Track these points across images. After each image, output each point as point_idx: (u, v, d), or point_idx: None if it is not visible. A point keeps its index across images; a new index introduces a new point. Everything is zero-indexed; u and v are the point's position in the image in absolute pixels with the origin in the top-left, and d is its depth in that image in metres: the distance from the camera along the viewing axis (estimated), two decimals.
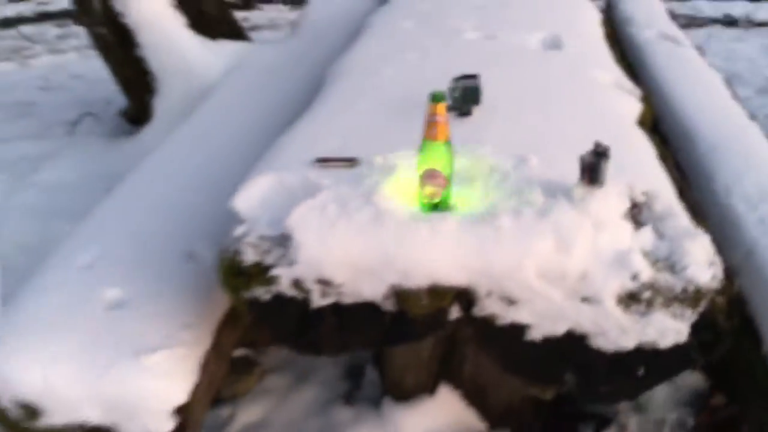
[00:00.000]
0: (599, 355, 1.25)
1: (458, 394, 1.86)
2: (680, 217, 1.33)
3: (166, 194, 1.88)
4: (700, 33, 5.59)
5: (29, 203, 2.66)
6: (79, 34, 5.56)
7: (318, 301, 1.28)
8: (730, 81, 4.12)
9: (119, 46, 2.98)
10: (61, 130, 3.35)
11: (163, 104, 2.95)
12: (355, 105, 1.70)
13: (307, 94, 2.10)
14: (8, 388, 1.40)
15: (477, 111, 1.61)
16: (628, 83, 2.03)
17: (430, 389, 1.85)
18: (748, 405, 1.82)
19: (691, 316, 1.20)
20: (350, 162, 1.36)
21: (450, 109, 1.55)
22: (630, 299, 1.21)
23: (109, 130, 3.30)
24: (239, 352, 1.99)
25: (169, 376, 1.38)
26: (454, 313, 1.28)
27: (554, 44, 2.19)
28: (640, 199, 1.37)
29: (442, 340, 1.79)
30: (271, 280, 1.27)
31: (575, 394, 1.36)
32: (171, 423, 1.40)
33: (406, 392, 1.86)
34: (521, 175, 1.32)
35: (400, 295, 1.25)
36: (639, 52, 3.09)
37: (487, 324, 1.27)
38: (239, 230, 1.32)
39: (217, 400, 1.89)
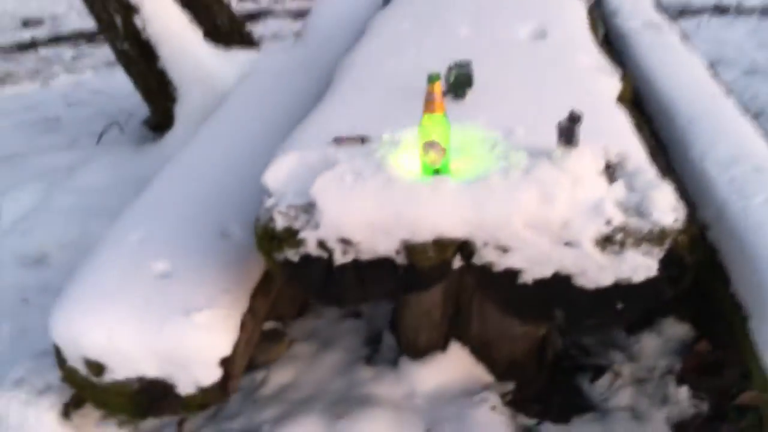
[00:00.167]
0: (582, 292, 1.46)
1: (467, 350, 2.07)
2: (648, 173, 1.54)
3: (197, 184, 2.10)
4: (692, 22, 5.78)
5: (67, 205, 2.89)
6: (93, 54, 5.82)
7: (340, 258, 1.50)
8: (718, 64, 4.34)
9: (141, 59, 3.23)
10: (88, 141, 3.59)
11: (183, 110, 3.19)
12: (363, 93, 1.93)
13: (315, 93, 2.31)
14: (77, 348, 1.62)
15: (470, 94, 1.83)
16: (608, 66, 2.24)
17: (441, 347, 2.06)
18: (727, 350, 2.02)
19: (658, 253, 1.41)
20: (362, 140, 1.58)
21: (446, 93, 1.78)
22: (605, 241, 1.42)
23: (133, 138, 3.54)
24: (269, 325, 2.21)
25: (215, 331, 1.60)
26: (457, 263, 1.50)
27: (541, 34, 2.40)
28: (614, 159, 1.59)
29: (451, 300, 2.01)
30: (300, 243, 1.49)
31: (564, 329, 1.57)
32: (217, 373, 1.62)
33: (420, 351, 2.07)
34: (509, 142, 1.53)
35: (409, 249, 1.46)
36: (624, 40, 3.30)
37: (486, 271, 1.49)
38: (270, 202, 1.54)
39: (252, 366, 2.12)
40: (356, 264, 1.50)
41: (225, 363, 1.62)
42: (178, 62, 3.15)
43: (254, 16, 6.61)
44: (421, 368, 2.05)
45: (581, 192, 1.43)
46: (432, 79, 1.40)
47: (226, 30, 3.47)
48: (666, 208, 1.44)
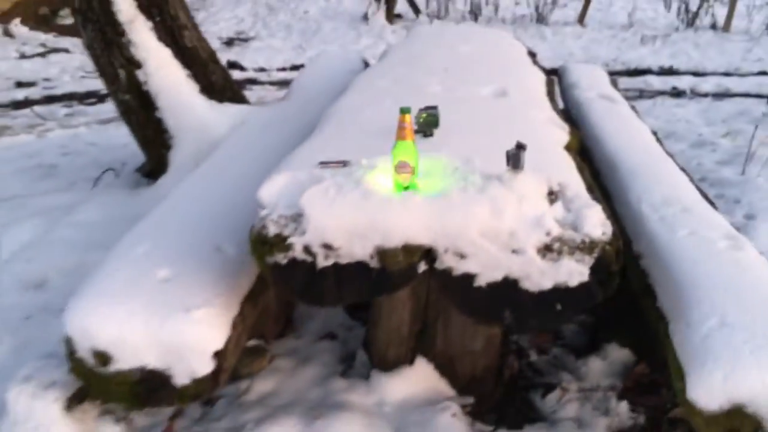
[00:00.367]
0: (527, 294, 1.72)
1: (432, 365, 2.31)
2: (583, 198, 1.84)
3: (193, 211, 2.36)
4: (650, 101, 6.26)
5: (65, 238, 3.12)
6: (86, 113, 6.11)
7: (322, 262, 1.75)
8: (670, 137, 4.74)
9: (141, 109, 3.53)
10: (84, 185, 3.84)
11: (178, 157, 3.46)
12: (345, 133, 2.22)
13: (299, 140, 2.60)
14: (87, 339, 1.84)
15: (437, 133, 2.14)
16: (559, 120, 2.57)
17: (409, 361, 2.30)
18: (663, 371, 2.28)
19: (589, 260, 1.69)
20: (343, 163, 1.87)
21: (416, 131, 2.08)
22: (546, 250, 1.70)
23: (127, 183, 3.80)
24: (253, 342, 2.43)
25: (210, 327, 1.83)
26: (422, 267, 1.76)
27: (502, 93, 2.75)
28: (556, 187, 1.88)
29: (418, 318, 2.26)
30: (288, 247, 1.74)
31: (512, 329, 1.82)
32: (210, 365, 1.84)
33: (389, 364, 2.30)
34: (467, 168, 1.83)
35: (382, 254, 1.72)
36: (581, 108, 3.69)
37: (446, 275, 1.75)
38: (263, 212, 1.80)
39: (237, 377, 2.33)
40: (336, 267, 1.75)
41: (217, 356, 1.85)
42: (175, 113, 3.45)
43: (240, 84, 6.99)
44: (390, 380, 2.27)
45: (526, 208, 1.72)
46: (403, 110, 1.70)
47: (220, 87, 3.80)
48: (596, 224, 1.73)
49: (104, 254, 2.17)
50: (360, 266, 1.74)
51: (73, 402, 2.03)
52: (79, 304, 1.88)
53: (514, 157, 1.72)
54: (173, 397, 1.89)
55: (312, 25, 9.81)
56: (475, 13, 10.02)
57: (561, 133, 2.43)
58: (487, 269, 1.72)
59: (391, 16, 9.73)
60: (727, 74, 7.49)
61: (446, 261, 1.73)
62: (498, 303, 1.76)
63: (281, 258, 1.75)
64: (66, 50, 8.81)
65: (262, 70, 7.86)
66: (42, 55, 8.64)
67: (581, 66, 4.73)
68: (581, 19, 9.65)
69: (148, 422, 2.15)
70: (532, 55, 3.83)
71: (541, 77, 3.32)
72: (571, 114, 3.75)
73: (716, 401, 1.62)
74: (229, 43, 9.05)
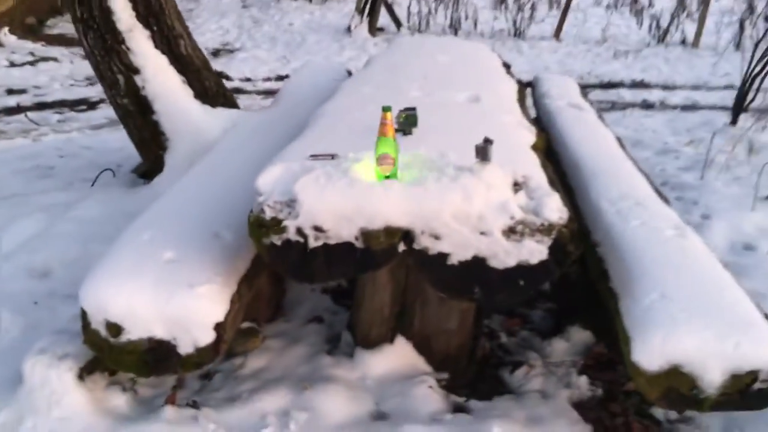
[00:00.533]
0: (494, 272, 1.95)
1: (410, 344, 2.54)
2: (544, 187, 2.08)
3: (191, 203, 2.57)
4: (620, 113, 6.56)
5: (67, 231, 3.31)
6: (78, 119, 6.29)
7: (313, 243, 1.97)
8: (637, 145, 5.02)
9: (138, 113, 3.74)
10: (82, 185, 4.04)
11: (173, 158, 3.68)
12: (333, 131, 2.46)
13: (288, 142, 2.83)
14: (101, 311, 2.05)
15: (416, 132, 2.38)
16: (527, 124, 2.83)
17: (389, 340, 2.52)
18: (618, 350, 2.53)
19: (547, 241, 1.92)
20: (332, 156, 2.10)
21: (397, 130, 2.31)
22: (510, 232, 1.93)
23: (124, 182, 4.00)
24: (246, 324, 2.64)
25: (212, 301, 2.05)
26: (402, 247, 1.99)
27: (476, 99, 3.00)
28: (520, 179, 2.13)
29: (397, 300, 2.49)
30: (282, 230, 1.97)
31: (481, 303, 2.05)
32: (212, 335, 2.05)
33: (371, 342, 2.53)
34: (442, 160, 2.07)
35: (366, 235, 1.95)
36: (551, 115, 3.94)
37: (423, 254, 1.98)
38: (261, 198, 2.03)
39: (232, 354, 2.54)
40: (325, 247, 1.98)
41: (218, 327, 2.06)
42: (170, 116, 3.67)
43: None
44: (372, 357, 2.49)
45: (493, 195, 1.96)
46: (385, 109, 1.94)
47: (213, 92, 4.03)
48: (554, 210, 1.98)
49: (105, 246, 2.36)
50: (347, 246, 1.97)
51: (84, 373, 2.24)
52: (93, 280, 2.10)
53: (482, 151, 1.96)
54: (178, 365, 2.10)
55: (296, 37, 10.05)
56: (455, 27, 10.32)
57: (528, 135, 2.68)
58: (458, 249, 1.95)
59: (374, 30, 10.01)
60: (695, 88, 7.82)
61: (423, 242, 1.97)
62: (468, 280, 1.99)
63: (276, 239, 1.98)
64: (55, 59, 8.96)
65: (247, 80, 8.08)
66: (31, 63, 8.78)
67: (553, 77, 5.01)
68: (557, 34, 9.98)
69: (152, 393, 2.35)
70: (506, 66, 4.10)
71: (514, 86, 3.58)
72: (542, 121, 4.02)
73: (656, 362, 1.86)
74: (216, 53, 9.26)
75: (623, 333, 1.98)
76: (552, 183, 2.23)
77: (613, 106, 6.99)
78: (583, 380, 2.50)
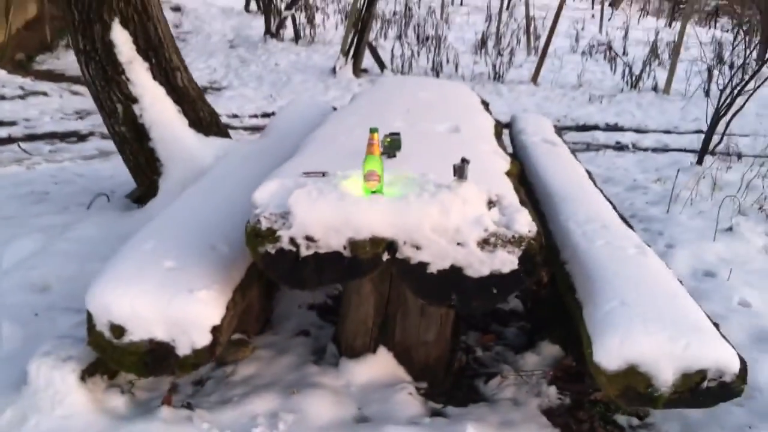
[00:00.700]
0: (470, 280, 2.15)
1: (391, 354, 2.71)
2: (515, 205, 2.29)
3: (188, 219, 2.74)
4: (594, 153, 6.85)
5: (64, 250, 3.47)
6: (70, 149, 6.45)
7: (304, 252, 2.16)
8: (609, 181, 5.28)
9: (135, 140, 3.94)
10: (77, 209, 4.19)
11: (167, 183, 3.87)
12: (323, 153, 2.67)
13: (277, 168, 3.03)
14: (106, 314, 2.21)
15: (399, 156, 2.59)
16: (502, 153, 3.05)
17: (372, 350, 2.69)
18: (582, 355, 2.71)
19: (518, 252, 2.12)
20: (323, 173, 2.30)
21: (382, 153, 2.52)
22: (484, 243, 2.13)
23: (118, 207, 4.16)
24: (237, 336, 2.80)
25: (209, 306, 2.22)
26: (386, 256, 2.18)
27: (455, 130, 3.22)
28: (494, 198, 2.34)
29: (380, 312, 2.66)
30: (277, 239, 2.15)
31: (458, 309, 2.23)
32: (208, 338, 2.22)
33: (355, 352, 2.70)
34: (423, 179, 2.27)
35: (353, 245, 2.14)
36: (526, 149, 4.19)
37: (405, 263, 2.17)
38: (257, 210, 2.22)
39: (223, 363, 2.70)
40: (316, 255, 2.16)
41: (214, 330, 2.23)
42: (166, 144, 3.86)
43: None
44: (356, 366, 2.66)
45: (468, 209, 2.16)
46: (372, 130, 2.15)
47: (207, 122, 4.23)
48: (524, 224, 2.18)
49: (101, 264, 2.50)
50: (335, 255, 2.16)
51: (86, 375, 2.39)
52: (99, 285, 2.26)
53: (460, 169, 2.17)
54: (175, 366, 2.26)
55: (282, 77, 10.32)
56: (437, 70, 10.67)
57: (503, 162, 2.90)
58: (437, 258, 2.15)
59: (358, 71, 10.32)
60: (666, 132, 8.15)
61: (405, 252, 2.16)
62: (446, 287, 2.18)
63: (271, 248, 2.16)
64: (45, 93, 9.13)
65: (234, 116, 8.29)
66: (21, 97, 8.94)
67: (529, 116, 5.29)
68: (535, 79, 10.35)
69: (148, 396, 2.50)
70: (484, 103, 4.35)
71: (491, 121, 3.82)
72: (518, 155, 4.27)
73: (615, 362, 2.05)
74: (203, 91, 9.47)
75: (586, 337, 2.18)
76: (523, 203, 2.44)
77: (588, 146, 7.28)
78: (553, 390, 2.68)
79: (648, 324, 2.08)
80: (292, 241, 2.15)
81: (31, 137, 6.97)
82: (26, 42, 11.00)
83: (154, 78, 3.94)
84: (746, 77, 5.74)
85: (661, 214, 4.50)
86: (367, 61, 10.61)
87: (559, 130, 5.01)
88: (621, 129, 8.23)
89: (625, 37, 12.74)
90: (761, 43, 9.79)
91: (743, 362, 2.08)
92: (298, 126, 4.34)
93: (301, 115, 4.71)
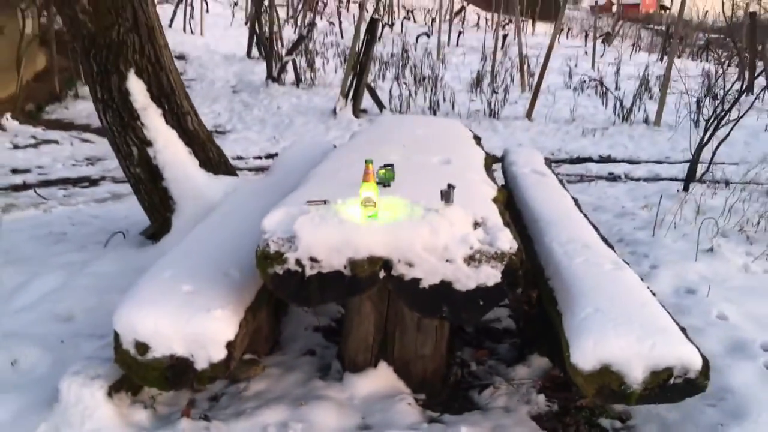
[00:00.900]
0: (458, 293, 2.38)
1: (391, 368, 2.93)
2: (499, 225, 2.54)
3: (201, 250, 3.00)
4: (587, 184, 7.11)
5: (85, 284, 3.71)
6: (83, 194, 6.73)
7: (309, 271, 2.40)
8: (599, 209, 5.52)
9: (149, 180, 4.22)
10: (94, 248, 4.45)
11: (179, 220, 4.13)
12: (325, 185, 2.93)
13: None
14: (131, 332, 2.45)
15: (393, 185, 2.86)
16: (490, 182, 3.31)
17: (373, 364, 2.92)
18: (561, 358, 2.93)
19: (500, 267, 2.37)
20: (324, 202, 2.56)
21: (377, 183, 2.79)
22: (470, 259, 2.38)
23: (134, 244, 4.42)
24: (248, 356, 3.03)
25: (225, 323, 2.45)
26: (382, 273, 2.42)
27: (447, 162, 3.49)
28: (480, 220, 2.59)
29: (379, 330, 2.90)
30: (284, 261, 2.40)
31: (449, 320, 2.47)
32: (224, 353, 2.45)
33: (358, 367, 2.92)
34: (414, 205, 2.53)
35: (352, 264, 2.38)
36: (517, 180, 4.46)
37: (399, 280, 2.41)
38: (266, 236, 2.47)
39: (236, 380, 2.93)
40: (319, 275, 2.41)
41: (229, 346, 2.46)
42: (179, 182, 4.14)
43: None
44: (359, 380, 2.89)
45: (455, 230, 2.41)
46: (368, 161, 2.42)
47: (216, 162, 4.52)
48: (506, 241, 2.43)
49: (120, 296, 2.71)
50: (337, 274, 2.40)
51: (112, 391, 2.61)
52: (125, 308, 2.50)
53: (447, 194, 2.43)
54: (194, 379, 2.49)
55: (284, 120, 10.68)
56: (434, 109, 11.03)
57: (490, 190, 3.16)
58: (428, 275, 2.39)
59: (358, 111, 10.68)
60: (658, 162, 8.43)
61: (399, 269, 2.40)
62: (438, 300, 2.42)
63: (279, 269, 2.41)
64: (56, 141, 9.47)
65: (239, 158, 8.60)
66: (33, 146, 9.28)
67: (521, 149, 5.59)
68: (529, 115, 10.70)
69: (168, 410, 2.72)
70: (476, 138, 4.63)
71: (482, 154, 4.09)
72: (508, 185, 4.53)
73: (590, 363, 2.28)
74: None
75: (565, 342, 2.41)
76: (506, 224, 2.69)
77: (582, 178, 7.54)
78: (541, 398, 2.89)
79: (618, 327, 2.31)
80: (298, 262, 2.40)
81: (46, 183, 7.26)
82: (36, 93, 11.42)
83: (167, 123, 4.23)
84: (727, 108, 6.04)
85: (647, 238, 4.74)
86: (367, 101, 10.99)
87: (550, 162, 5.28)
88: (614, 160, 8.51)
89: (617, 72, 13.13)
90: (742, 75, 10.11)
91: (705, 360, 2.31)
92: (301, 164, 4.62)
93: (304, 154, 4.99)
